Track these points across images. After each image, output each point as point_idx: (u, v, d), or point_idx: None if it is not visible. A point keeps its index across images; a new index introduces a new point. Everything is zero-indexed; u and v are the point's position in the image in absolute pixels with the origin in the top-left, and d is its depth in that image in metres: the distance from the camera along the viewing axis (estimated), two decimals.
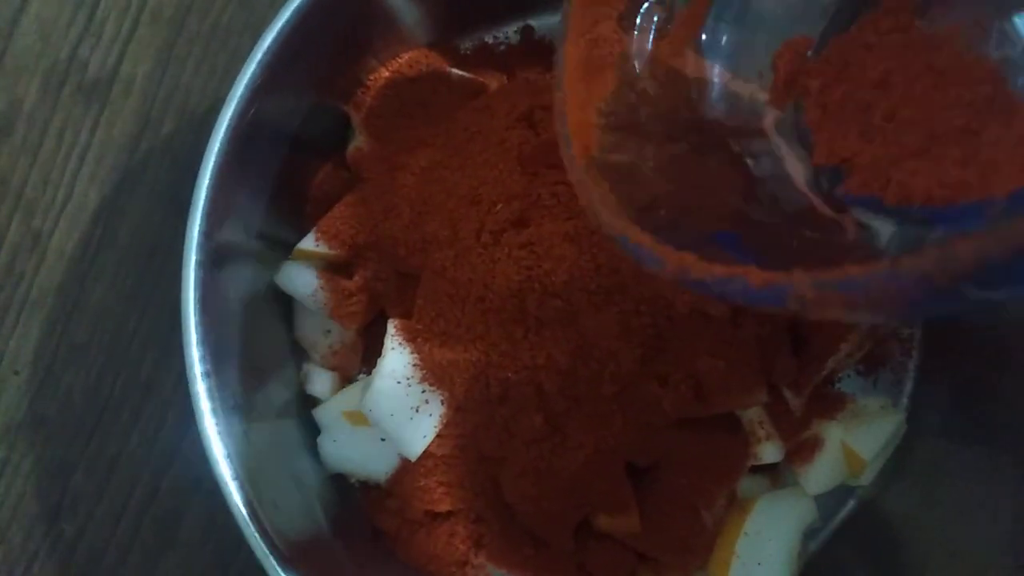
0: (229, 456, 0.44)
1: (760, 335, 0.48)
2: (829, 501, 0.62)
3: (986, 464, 0.54)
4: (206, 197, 0.46)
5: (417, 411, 0.51)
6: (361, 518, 0.60)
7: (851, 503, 0.63)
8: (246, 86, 0.47)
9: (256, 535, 0.44)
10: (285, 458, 0.55)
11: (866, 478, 0.60)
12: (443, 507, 0.57)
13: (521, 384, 0.50)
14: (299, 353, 0.61)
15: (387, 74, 0.60)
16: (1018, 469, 0.51)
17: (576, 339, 0.48)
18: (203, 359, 0.45)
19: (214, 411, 0.45)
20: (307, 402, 0.60)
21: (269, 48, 0.47)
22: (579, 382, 0.49)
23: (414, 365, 0.52)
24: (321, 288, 0.56)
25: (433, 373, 0.51)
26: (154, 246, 0.65)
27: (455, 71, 0.61)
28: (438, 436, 0.53)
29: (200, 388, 0.45)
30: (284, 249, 0.58)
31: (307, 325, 0.60)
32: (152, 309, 0.64)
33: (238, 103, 0.46)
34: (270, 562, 0.44)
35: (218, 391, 0.46)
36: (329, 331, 0.59)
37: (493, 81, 0.61)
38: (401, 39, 0.61)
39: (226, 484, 0.44)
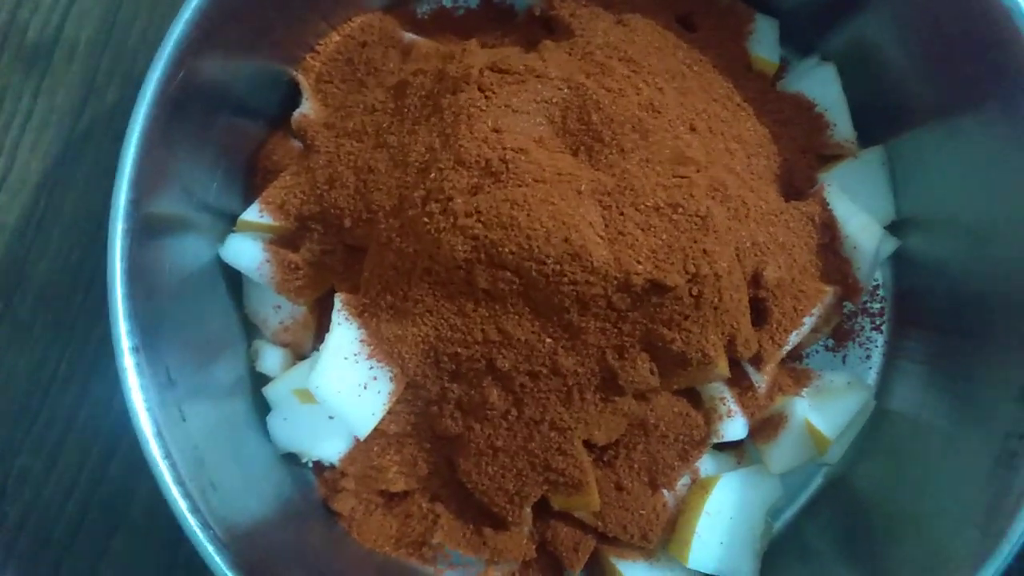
0: (159, 434, 0.43)
1: (718, 306, 0.47)
2: (796, 479, 0.60)
3: (956, 440, 0.53)
4: (133, 162, 0.43)
5: (365, 388, 0.49)
6: (315, 500, 0.58)
7: (818, 480, 0.61)
8: (175, 44, 0.44)
9: (187, 515, 0.42)
10: (231, 438, 0.54)
11: (833, 456, 0.59)
12: (398, 487, 0.56)
13: (473, 360, 0.48)
14: (250, 330, 0.59)
15: (338, 38, 0.58)
16: (988, 444, 0.49)
17: (529, 313, 0.47)
18: (131, 333, 0.43)
19: (144, 387, 0.43)
20: (258, 380, 0.58)
21: (200, 6, 0.45)
22: (533, 357, 0.47)
23: (361, 341, 0.50)
24: (267, 261, 0.54)
25: (381, 349, 0.49)
26: (101, 219, 0.62)
27: (409, 35, 0.58)
28: (390, 413, 0.51)
29: (128, 363, 0.43)
30: (232, 222, 0.56)
31: (257, 301, 0.58)
32: (99, 285, 0.62)
33: (166, 62, 0.44)
34: (203, 544, 0.42)
35: (148, 366, 0.43)
36: (279, 307, 0.57)
37: (450, 47, 0.58)
38: (354, 2, 0.58)
39: (156, 463, 0.42)
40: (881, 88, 0.58)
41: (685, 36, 0.57)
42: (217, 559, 0.42)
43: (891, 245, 0.60)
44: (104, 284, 0.60)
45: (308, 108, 0.55)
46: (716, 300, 0.46)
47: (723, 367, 0.49)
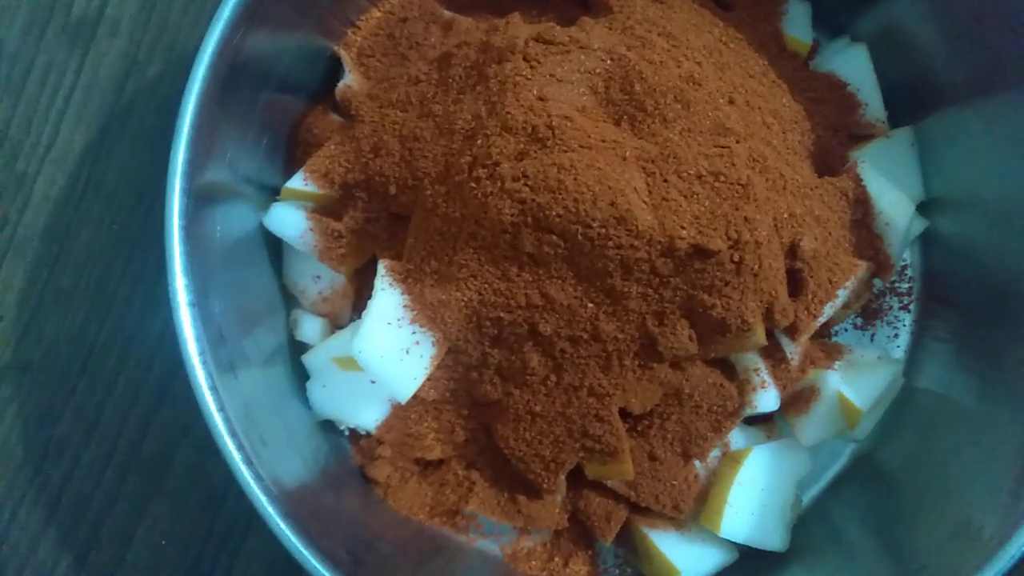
0: (214, 387, 0.43)
1: (757, 273, 0.47)
2: (823, 457, 0.61)
3: (984, 416, 0.54)
4: (190, 125, 0.44)
5: (407, 352, 0.50)
6: (351, 467, 0.59)
7: (845, 458, 0.62)
8: (230, 12, 0.45)
9: (242, 466, 0.43)
10: (274, 403, 0.54)
11: (862, 432, 0.60)
12: (434, 454, 0.56)
13: (515, 324, 0.49)
14: (289, 300, 0.60)
15: (379, 14, 0.59)
16: (1017, 417, 0.50)
17: (572, 277, 0.47)
18: (188, 288, 0.44)
19: (198, 340, 0.44)
20: (297, 349, 0.59)
21: None
22: (575, 322, 0.48)
23: (404, 306, 0.51)
24: (310, 230, 0.55)
25: (424, 314, 0.50)
26: (141, 190, 0.63)
27: (448, 12, 0.59)
28: (429, 380, 0.52)
29: (184, 316, 0.44)
30: (273, 194, 0.57)
31: (296, 271, 0.59)
32: (139, 254, 0.63)
33: (222, 30, 0.45)
34: (256, 495, 0.43)
35: (202, 322, 0.44)
36: (319, 277, 0.58)
37: (492, 20, 0.59)
38: None
39: (211, 415, 0.43)
40: (912, 68, 0.59)
41: (721, 15, 0.58)
42: (270, 509, 0.43)
43: (920, 225, 0.61)
44: (143, 255, 0.63)
45: (351, 80, 0.56)
46: (756, 267, 0.47)
47: (761, 335, 0.50)
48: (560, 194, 0.45)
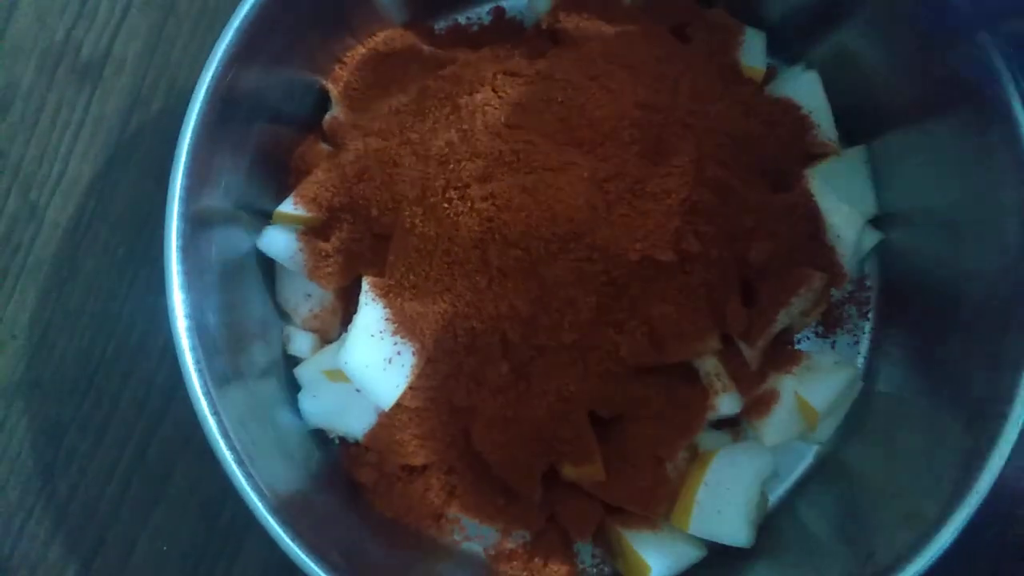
0: (208, 393, 0.47)
1: (709, 282, 0.51)
2: (788, 459, 0.64)
3: (935, 413, 0.57)
4: (187, 155, 0.49)
5: (390, 362, 0.54)
6: (340, 473, 0.62)
7: (811, 458, 0.65)
8: (225, 50, 0.50)
9: (234, 466, 0.46)
10: (267, 413, 0.58)
11: (822, 433, 0.63)
12: (418, 460, 0.60)
13: (487, 333, 0.53)
14: (281, 318, 0.64)
15: (363, 51, 0.64)
16: (961, 412, 0.54)
17: (536, 288, 0.51)
18: (185, 303, 0.48)
19: (194, 349, 0.48)
20: (289, 363, 0.63)
21: (247, 15, 0.50)
22: (540, 330, 0.52)
23: (386, 319, 0.55)
24: (300, 250, 0.59)
25: (404, 326, 0.54)
26: (144, 218, 0.68)
27: (428, 48, 0.64)
28: (411, 388, 0.56)
29: (181, 327, 0.48)
30: (266, 218, 0.61)
31: (288, 290, 0.63)
32: (142, 277, 0.67)
33: (218, 65, 0.50)
34: (247, 493, 0.47)
35: (198, 334, 0.48)
36: (310, 295, 0.62)
37: (466, 55, 0.64)
38: (377, 18, 0.64)
39: (205, 418, 0.47)
40: (862, 93, 0.63)
41: (679, 46, 0.62)
42: (262, 508, 0.47)
43: (874, 237, 0.64)
44: (146, 278, 0.67)
45: (338, 112, 0.61)
46: (706, 277, 0.51)
47: (715, 339, 0.54)
48: (523, 212, 0.49)
